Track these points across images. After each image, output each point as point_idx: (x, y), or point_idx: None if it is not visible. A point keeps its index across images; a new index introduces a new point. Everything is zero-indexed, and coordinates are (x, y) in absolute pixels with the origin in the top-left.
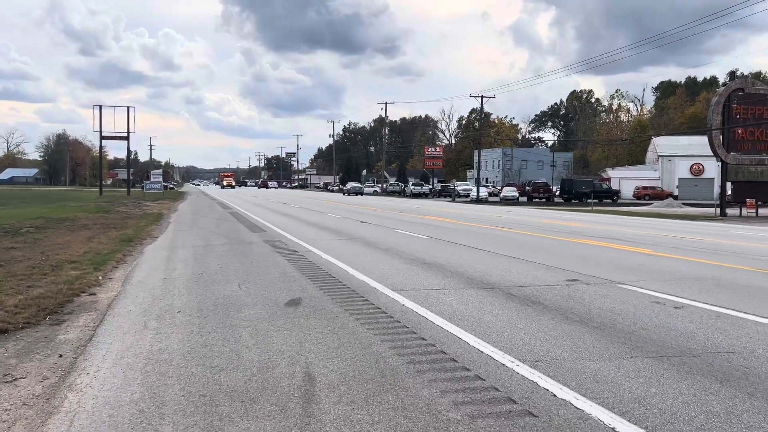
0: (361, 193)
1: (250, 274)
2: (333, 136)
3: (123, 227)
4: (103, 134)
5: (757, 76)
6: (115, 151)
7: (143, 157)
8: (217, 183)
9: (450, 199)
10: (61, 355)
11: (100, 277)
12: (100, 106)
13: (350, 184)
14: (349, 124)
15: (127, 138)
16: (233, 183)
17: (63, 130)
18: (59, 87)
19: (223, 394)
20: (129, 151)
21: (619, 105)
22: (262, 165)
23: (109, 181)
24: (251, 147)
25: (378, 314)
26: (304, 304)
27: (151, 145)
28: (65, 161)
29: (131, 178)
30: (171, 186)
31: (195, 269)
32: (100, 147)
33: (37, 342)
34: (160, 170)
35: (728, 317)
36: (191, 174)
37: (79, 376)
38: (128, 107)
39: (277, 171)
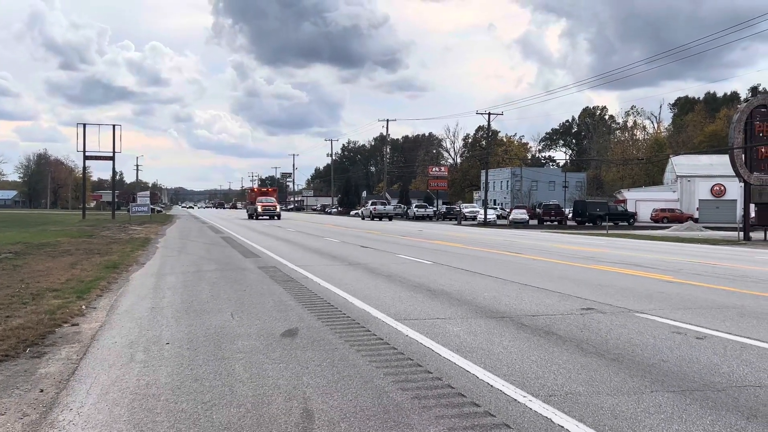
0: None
1: (243, 302)
2: (331, 155)
3: (107, 253)
4: (86, 154)
5: None
6: (100, 171)
7: (129, 178)
8: (215, 204)
9: (456, 222)
10: (42, 390)
11: (84, 307)
12: (84, 124)
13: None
14: (348, 143)
15: (112, 158)
16: (277, 207)
17: (44, 149)
18: (40, 104)
19: None
20: (114, 172)
21: (635, 122)
22: (255, 186)
23: (92, 204)
24: (244, 167)
25: (380, 345)
26: (302, 335)
27: (137, 166)
28: (46, 182)
29: (116, 200)
30: (159, 209)
31: (184, 297)
32: (84, 167)
33: (17, 376)
34: (147, 192)
35: (754, 348)
36: (180, 196)
37: (62, 413)
38: (114, 125)
39: None
